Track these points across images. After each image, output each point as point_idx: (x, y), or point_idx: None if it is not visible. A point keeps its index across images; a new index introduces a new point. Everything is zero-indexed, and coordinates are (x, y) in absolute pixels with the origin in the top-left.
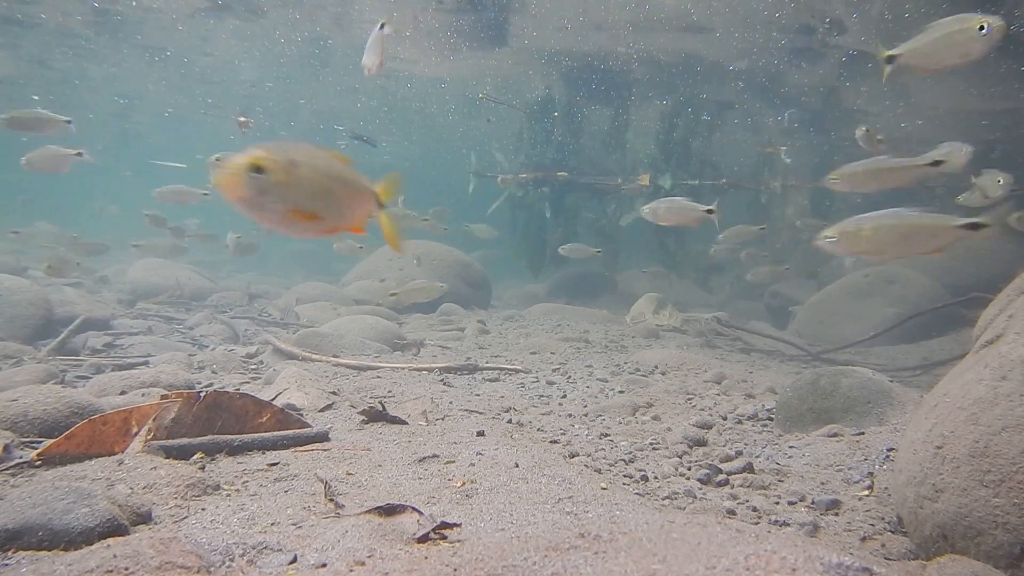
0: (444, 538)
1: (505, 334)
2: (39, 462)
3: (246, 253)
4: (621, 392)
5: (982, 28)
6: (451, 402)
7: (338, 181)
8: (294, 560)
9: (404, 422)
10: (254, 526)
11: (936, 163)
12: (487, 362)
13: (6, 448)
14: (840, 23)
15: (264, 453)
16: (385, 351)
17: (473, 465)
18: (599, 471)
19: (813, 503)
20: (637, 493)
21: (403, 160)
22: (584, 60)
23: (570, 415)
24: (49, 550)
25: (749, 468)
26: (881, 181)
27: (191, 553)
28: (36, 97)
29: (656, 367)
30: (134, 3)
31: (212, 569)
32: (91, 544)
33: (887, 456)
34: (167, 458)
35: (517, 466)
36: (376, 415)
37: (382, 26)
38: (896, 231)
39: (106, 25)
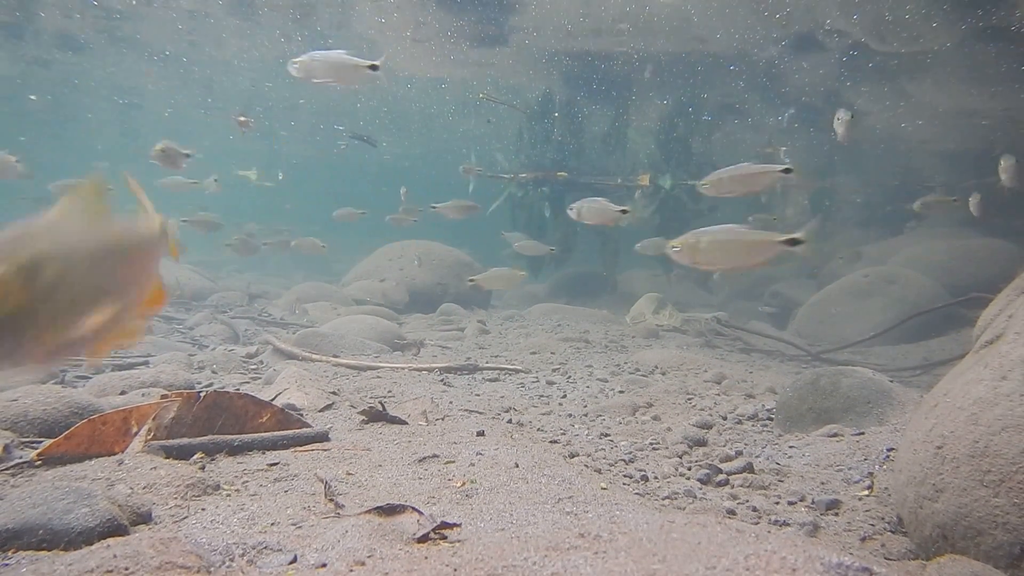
0: (444, 538)
1: (505, 334)
2: (39, 462)
3: (251, 252)
4: (621, 392)
5: None
6: (451, 402)
7: (111, 257)
8: (294, 560)
9: (404, 422)
10: (254, 526)
11: (787, 170)
12: (487, 362)
13: (6, 448)
14: (840, 24)
15: (264, 453)
16: (385, 351)
17: (473, 465)
18: (599, 471)
19: (813, 503)
20: (637, 493)
21: (403, 160)
22: (584, 60)
23: (570, 415)
24: (49, 550)
25: (749, 468)
26: (744, 186)
27: (191, 553)
28: (34, 97)
29: (656, 367)
30: (134, 2)
31: (212, 569)
32: (91, 544)
33: (887, 456)
34: (167, 458)
35: (517, 466)
36: (376, 415)
37: (373, 67)
38: (729, 244)
39: (105, 25)
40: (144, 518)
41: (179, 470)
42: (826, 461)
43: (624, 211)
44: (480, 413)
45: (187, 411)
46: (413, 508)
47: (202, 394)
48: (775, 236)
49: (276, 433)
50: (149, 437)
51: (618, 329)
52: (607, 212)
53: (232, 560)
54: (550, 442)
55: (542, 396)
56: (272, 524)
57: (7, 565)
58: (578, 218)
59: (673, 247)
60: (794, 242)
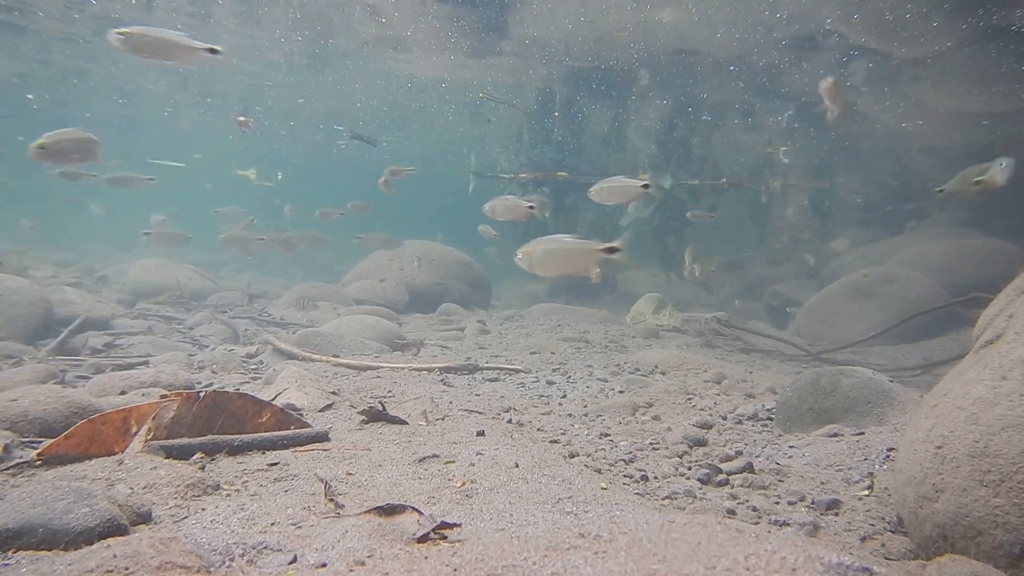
0: (444, 538)
1: (505, 334)
2: (39, 462)
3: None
4: (621, 392)
5: None
6: (451, 402)
7: None
8: (294, 560)
9: (404, 422)
10: (254, 526)
11: (646, 186)
12: (487, 362)
13: (6, 448)
14: (840, 24)
15: (264, 453)
16: (385, 351)
17: (473, 465)
18: (599, 471)
19: (813, 503)
20: (637, 493)
21: (402, 160)
22: (584, 60)
23: (570, 415)
24: (49, 550)
25: (749, 468)
26: (616, 196)
27: (191, 553)
28: (31, 96)
29: (656, 367)
30: (133, 1)
31: (212, 569)
32: (91, 544)
33: (887, 456)
34: (167, 458)
35: (517, 466)
36: (376, 415)
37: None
38: (559, 252)
39: (104, 24)
40: (144, 518)
41: (179, 470)
42: (826, 461)
43: (531, 207)
44: (480, 413)
45: (187, 411)
46: (413, 508)
47: (202, 394)
48: (596, 244)
49: (276, 433)
50: (149, 437)
51: (618, 329)
52: (517, 208)
53: (232, 560)
54: (550, 442)
55: (542, 396)
56: (272, 524)
57: (7, 565)
58: (492, 215)
59: (519, 256)
60: (612, 250)
